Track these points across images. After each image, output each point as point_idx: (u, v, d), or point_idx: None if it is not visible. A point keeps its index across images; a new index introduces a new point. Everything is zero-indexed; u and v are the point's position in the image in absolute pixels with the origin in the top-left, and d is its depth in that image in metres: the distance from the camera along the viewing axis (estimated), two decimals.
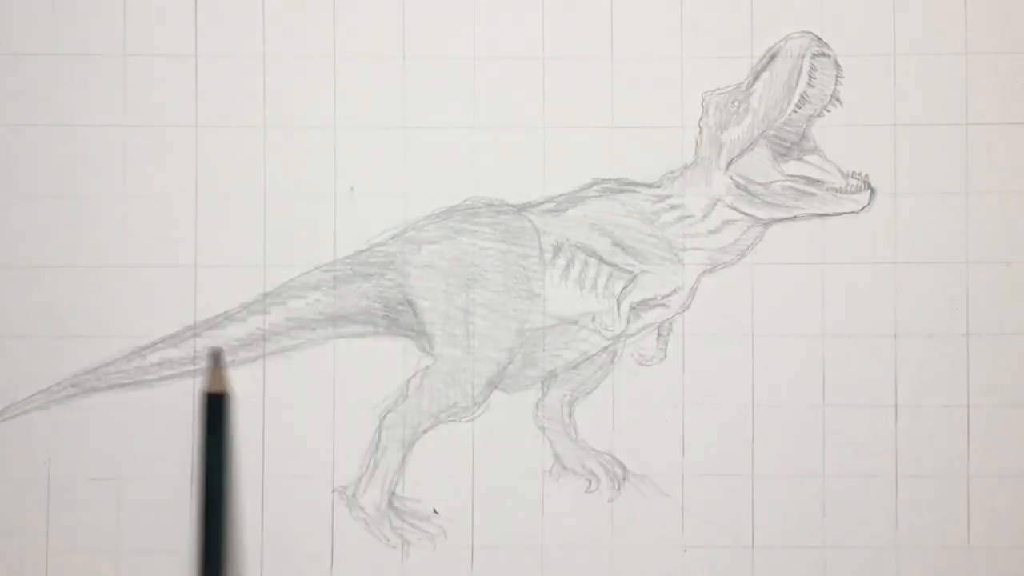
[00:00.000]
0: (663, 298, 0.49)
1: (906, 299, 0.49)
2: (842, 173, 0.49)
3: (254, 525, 0.48)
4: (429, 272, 0.49)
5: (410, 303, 0.49)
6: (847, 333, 0.49)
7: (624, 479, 0.49)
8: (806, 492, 0.49)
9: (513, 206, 0.49)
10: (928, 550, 0.49)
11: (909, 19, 0.49)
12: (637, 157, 0.49)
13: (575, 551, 0.49)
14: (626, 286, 0.49)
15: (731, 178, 0.49)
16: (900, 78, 0.49)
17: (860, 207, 0.49)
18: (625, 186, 0.49)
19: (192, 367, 0.49)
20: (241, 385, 0.49)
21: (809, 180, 0.49)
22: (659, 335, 0.49)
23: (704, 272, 0.49)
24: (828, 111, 0.49)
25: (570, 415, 0.49)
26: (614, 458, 0.49)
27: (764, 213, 0.49)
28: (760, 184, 0.49)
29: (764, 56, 0.49)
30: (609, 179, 0.49)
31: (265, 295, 0.49)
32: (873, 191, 0.49)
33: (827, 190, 0.49)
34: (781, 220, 0.49)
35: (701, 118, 0.49)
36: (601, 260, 0.49)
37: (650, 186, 0.49)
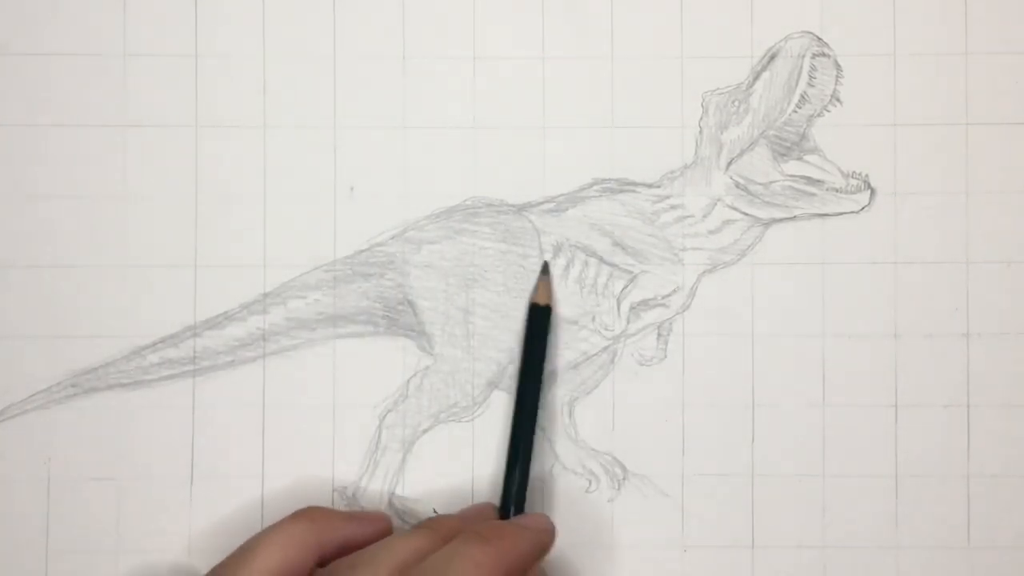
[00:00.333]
0: (663, 298, 0.49)
1: (906, 299, 0.49)
2: (842, 173, 0.49)
3: (254, 525, 0.48)
4: (429, 272, 0.49)
5: (410, 303, 0.49)
6: (847, 333, 0.49)
7: (624, 479, 0.49)
8: (806, 492, 0.49)
9: (513, 206, 0.49)
10: (928, 550, 0.49)
11: (909, 19, 0.49)
12: (637, 157, 0.49)
13: (575, 551, 0.49)
14: (626, 286, 0.49)
15: (731, 178, 0.49)
16: (900, 78, 0.49)
17: (860, 207, 0.49)
18: (625, 186, 0.49)
19: (192, 367, 0.49)
20: (241, 385, 0.49)
21: (809, 180, 0.49)
22: (659, 335, 0.49)
23: (704, 272, 0.49)
24: (828, 111, 0.49)
25: (570, 415, 0.49)
26: (614, 458, 0.49)
27: (764, 213, 0.49)
28: (760, 184, 0.49)
29: (764, 56, 0.49)
30: (609, 179, 0.49)
31: (265, 295, 0.49)
32: (873, 191, 0.49)
33: (827, 190, 0.49)
34: (781, 220, 0.49)
35: (701, 118, 0.49)
36: (601, 260, 0.49)
37: (650, 186, 0.49)
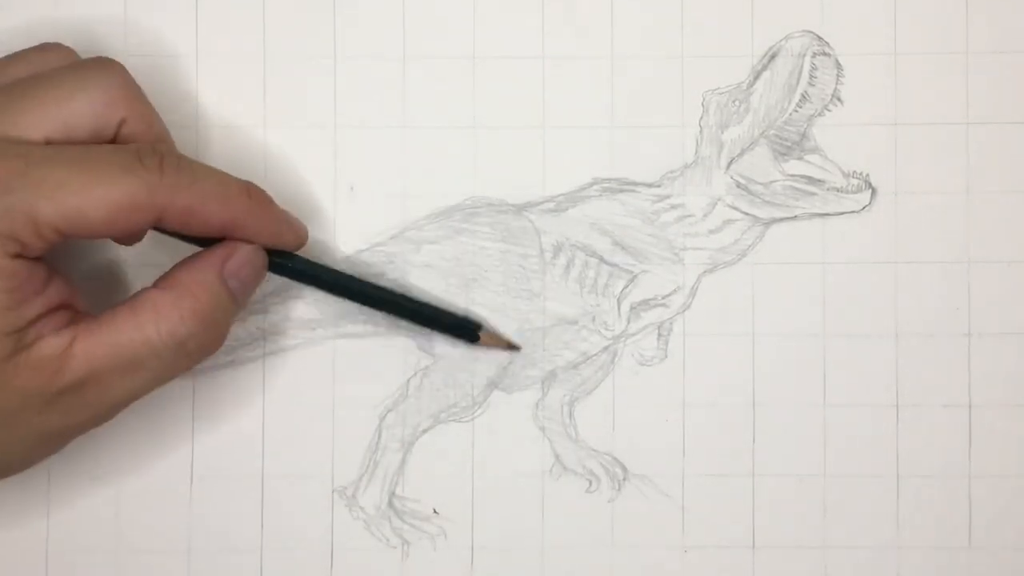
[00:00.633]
0: (663, 298, 0.49)
1: (906, 299, 0.49)
2: (843, 172, 0.49)
3: (253, 525, 0.48)
4: (429, 272, 0.49)
5: None
6: (847, 333, 0.49)
7: (624, 479, 0.49)
8: (806, 492, 0.49)
9: (513, 206, 0.49)
10: (928, 550, 0.49)
11: (909, 19, 0.49)
12: (637, 157, 0.49)
13: (575, 551, 0.49)
14: (626, 286, 0.49)
15: (731, 178, 0.49)
16: (900, 78, 0.49)
17: (861, 207, 0.49)
18: (625, 186, 0.49)
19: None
20: (241, 385, 0.49)
21: (810, 180, 0.49)
22: (659, 335, 0.49)
23: (704, 272, 0.49)
24: (829, 110, 0.49)
25: (570, 415, 0.49)
26: (614, 458, 0.49)
27: (765, 213, 0.49)
28: (761, 184, 0.49)
29: (764, 56, 0.49)
30: (609, 179, 0.49)
31: (265, 295, 0.49)
32: (874, 191, 0.49)
33: (828, 190, 0.49)
34: (782, 220, 0.49)
35: (701, 118, 0.49)
36: (601, 260, 0.49)
37: (650, 186, 0.49)
